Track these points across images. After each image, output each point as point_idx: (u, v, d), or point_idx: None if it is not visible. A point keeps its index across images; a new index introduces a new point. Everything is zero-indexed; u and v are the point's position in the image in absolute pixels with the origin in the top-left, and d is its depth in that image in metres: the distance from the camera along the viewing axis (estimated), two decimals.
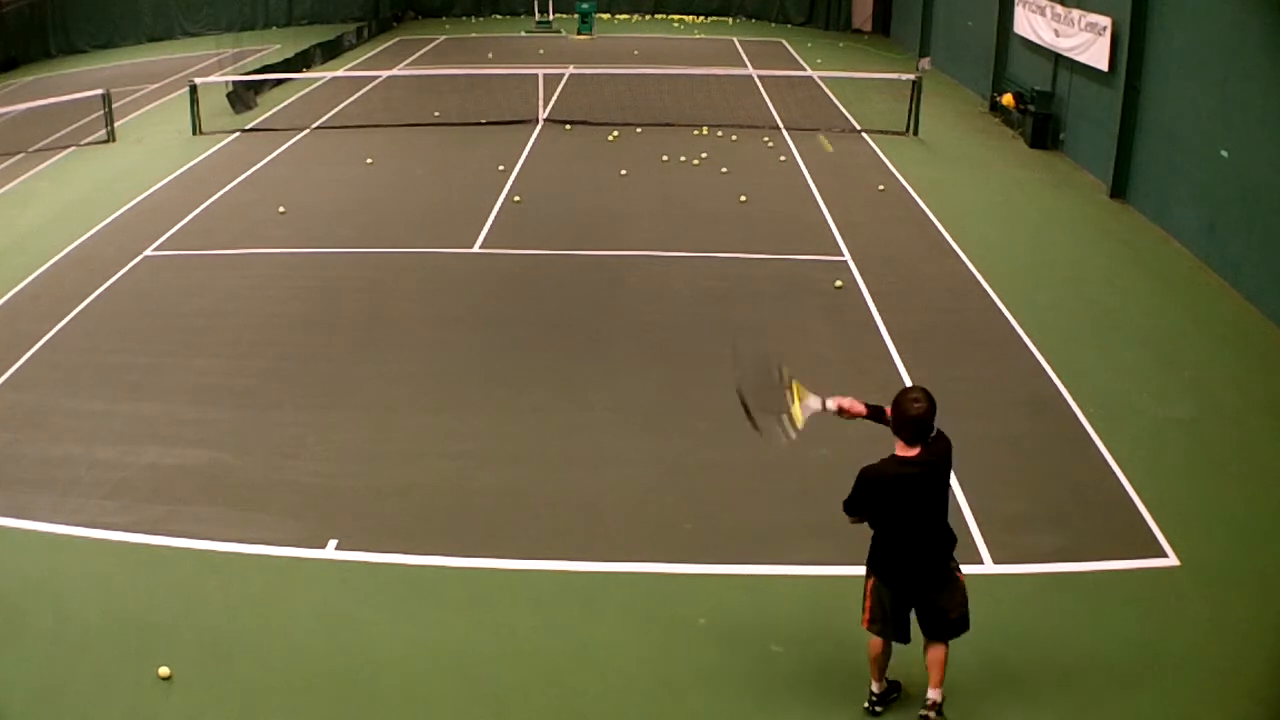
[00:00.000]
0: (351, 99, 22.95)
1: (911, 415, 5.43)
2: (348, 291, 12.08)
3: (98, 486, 8.19)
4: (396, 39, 33.35)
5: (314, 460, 8.58)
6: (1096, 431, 8.90)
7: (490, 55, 18.97)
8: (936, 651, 5.73)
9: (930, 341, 10.64)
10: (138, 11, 33.93)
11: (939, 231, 14.04)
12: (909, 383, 9.74)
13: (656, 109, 21.20)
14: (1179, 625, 6.65)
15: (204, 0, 34.91)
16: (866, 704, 5.91)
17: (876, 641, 5.84)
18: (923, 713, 5.73)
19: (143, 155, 18.65)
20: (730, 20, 37.41)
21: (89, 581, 7.11)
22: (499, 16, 38.69)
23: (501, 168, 17.01)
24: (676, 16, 38.05)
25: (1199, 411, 9.33)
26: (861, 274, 12.43)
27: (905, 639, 5.78)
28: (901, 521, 5.57)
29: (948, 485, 5.64)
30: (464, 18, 38.62)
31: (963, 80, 24.54)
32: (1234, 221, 12.30)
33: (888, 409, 5.67)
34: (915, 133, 19.53)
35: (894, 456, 5.52)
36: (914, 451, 5.47)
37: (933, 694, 5.74)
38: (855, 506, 5.62)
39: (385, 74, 25.50)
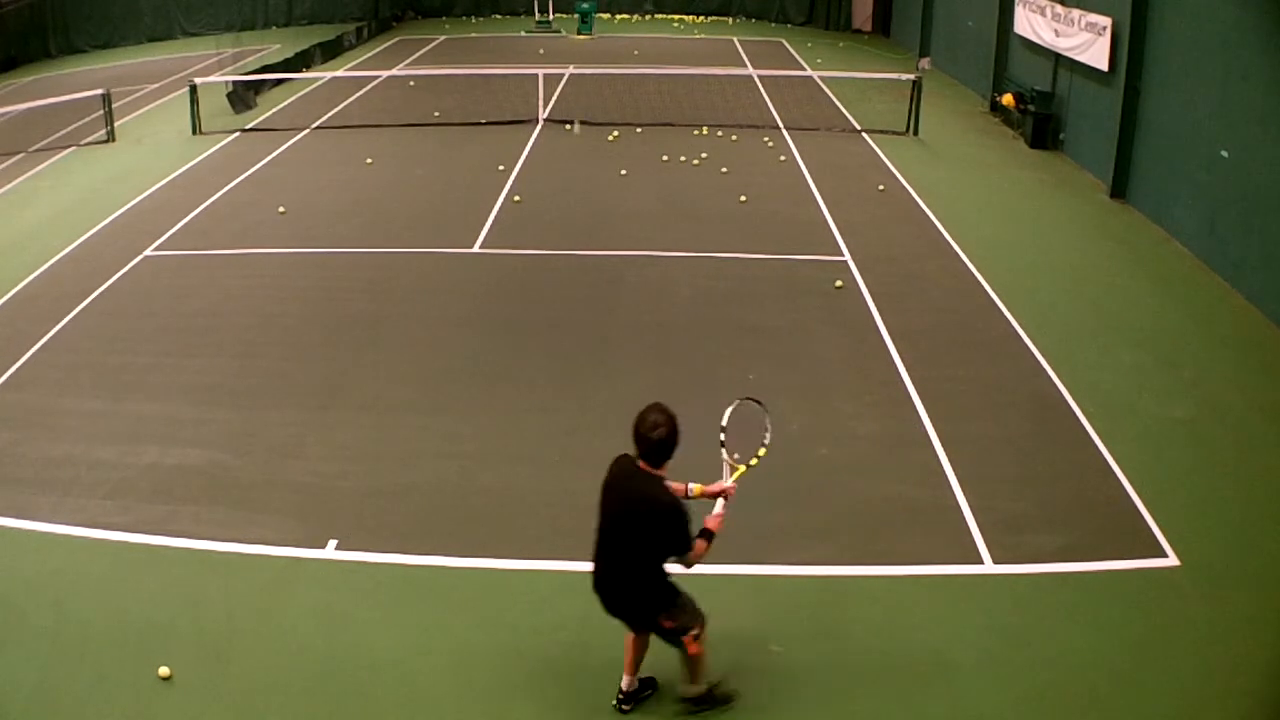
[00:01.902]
0: (351, 99, 22.95)
1: (652, 440, 5.23)
2: (348, 291, 12.08)
3: (98, 486, 8.19)
4: (396, 39, 33.35)
5: (314, 460, 8.58)
6: (1096, 431, 8.91)
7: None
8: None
9: (930, 341, 10.64)
10: (138, 11, 33.91)
11: (939, 231, 14.04)
12: (909, 383, 9.75)
13: (656, 109, 21.20)
14: (1179, 625, 6.65)
15: (204, 0, 34.91)
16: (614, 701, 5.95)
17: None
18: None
19: (143, 155, 18.65)
20: (730, 20, 37.40)
21: (89, 581, 7.11)
22: (499, 16, 38.69)
23: (501, 168, 17.01)
24: (676, 16, 38.05)
25: (1199, 411, 9.34)
26: (861, 274, 12.43)
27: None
28: (609, 530, 5.51)
29: (655, 538, 5.33)
30: (464, 18, 38.61)
31: (963, 80, 24.54)
32: (1234, 221, 12.30)
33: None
34: (915, 133, 19.53)
35: (664, 480, 5.35)
36: (652, 471, 5.33)
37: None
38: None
39: (385, 74, 25.50)
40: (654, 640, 5.79)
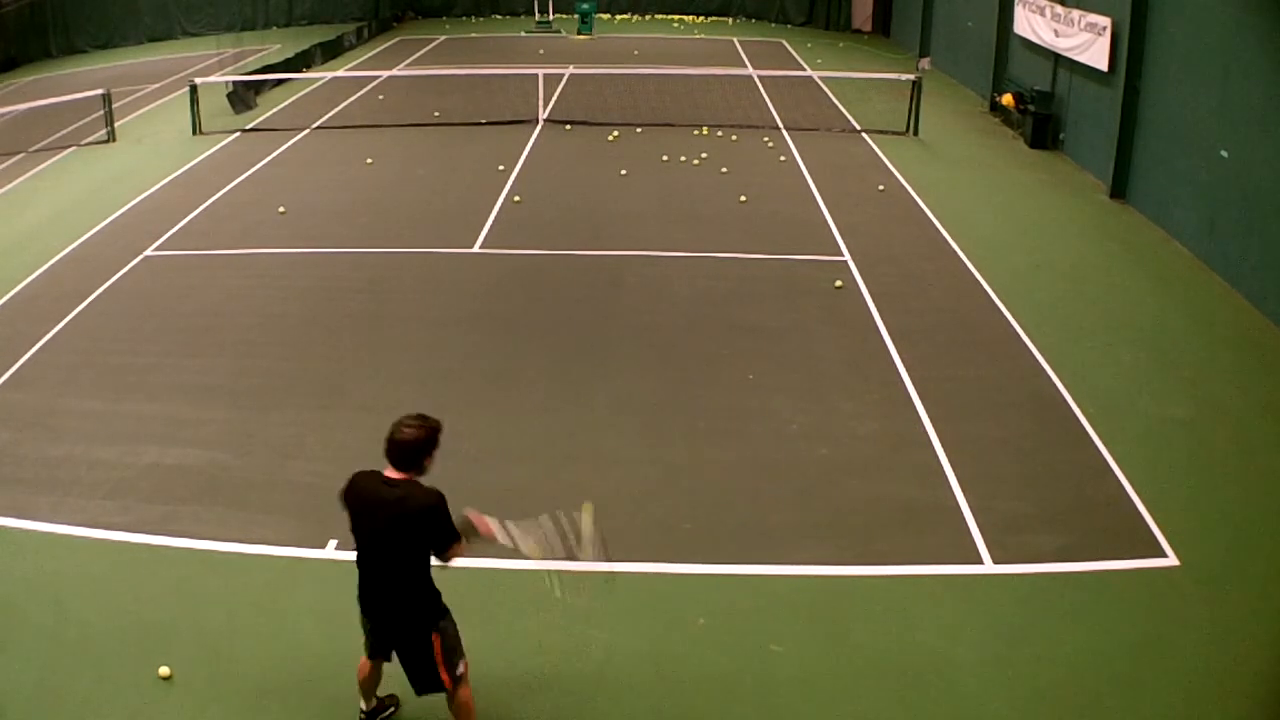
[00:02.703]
0: (351, 99, 22.95)
1: (396, 439, 5.02)
2: (348, 291, 12.08)
3: (98, 486, 8.19)
4: (396, 39, 33.36)
5: (314, 460, 8.58)
6: (1096, 431, 8.91)
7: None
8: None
9: (930, 341, 10.64)
10: (138, 11, 33.92)
11: (939, 231, 14.04)
12: (909, 383, 9.75)
13: (656, 109, 21.20)
14: (1179, 625, 6.65)
15: (204, 0, 34.91)
16: None
17: (365, 663, 5.63)
18: None
19: (143, 155, 18.65)
20: (730, 20, 37.41)
21: (89, 581, 7.10)
22: (499, 16, 38.71)
23: (501, 168, 17.02)
24: (676, 16, 38.06)
25: (1199, 411, 9.33)
26: (861, 274, 12.43)
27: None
28: (368, 546, 5.26)
29: (418, 538, 5.12)
30: (464, 18, 38.62)
31: (963, 80, 24.54)
32: (1234, 221, 12.30)
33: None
34: (915, 133, 19.53)
35: (379, 474, 5.14)
36: (399, 476, 5.09)
37: None
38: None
39: (385, 74, 25.50)
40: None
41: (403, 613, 5.30)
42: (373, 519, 5.16)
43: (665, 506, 7.89)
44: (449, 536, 5.13)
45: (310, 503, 7.98)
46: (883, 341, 10.65)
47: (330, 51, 29.00)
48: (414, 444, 5.04)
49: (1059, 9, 17.69)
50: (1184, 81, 13.75)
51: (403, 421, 5.08)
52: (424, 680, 5.38)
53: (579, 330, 11.03)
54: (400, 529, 5.09)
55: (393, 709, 5.97)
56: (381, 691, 5.91)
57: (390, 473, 5.10)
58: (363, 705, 5.89)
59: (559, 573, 5.37)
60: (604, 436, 8.94)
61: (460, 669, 5.41)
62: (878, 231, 14.06)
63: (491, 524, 5.29)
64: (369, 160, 17.67)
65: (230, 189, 16.16)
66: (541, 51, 29.87)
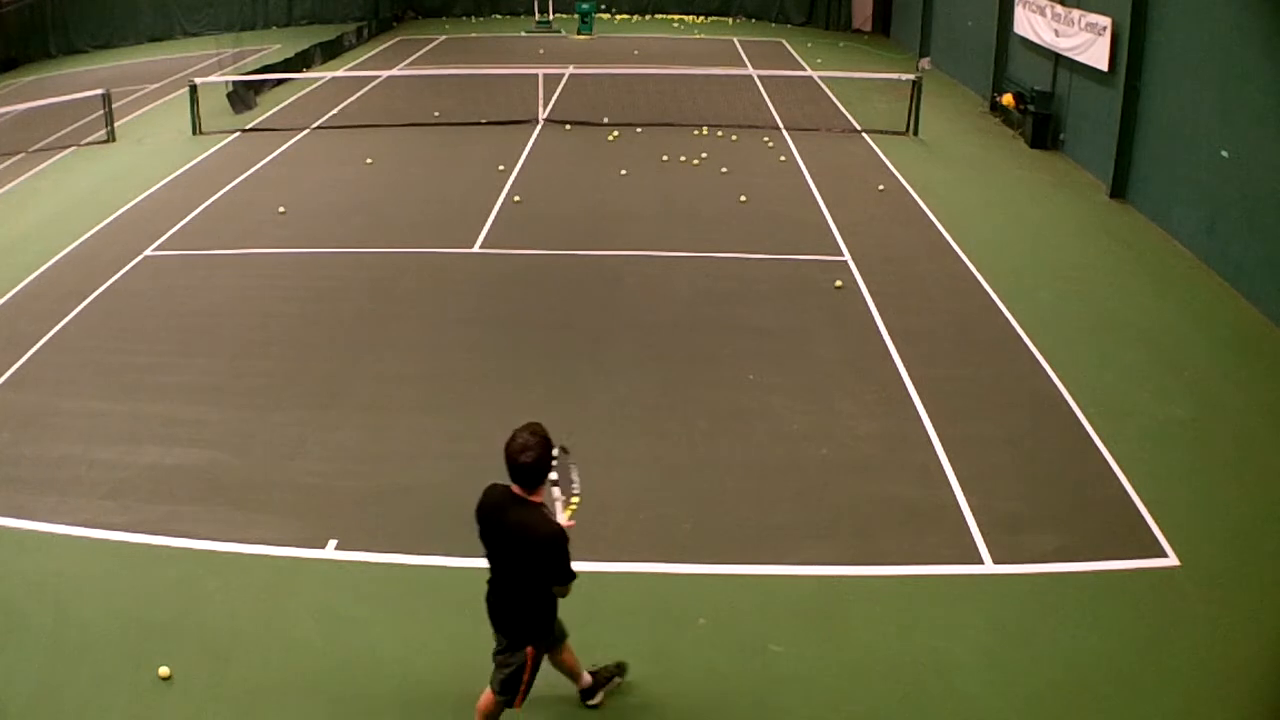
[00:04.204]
0: (351, 99, 22.95)
1: (518, 463, 5.01)
2: (348, 291, 12.08)
3: (98, 486, 8.19)
4: (396, 39, 33.35)
5: (314, 460, 8.58)
6: (1096, 431, 8.91)
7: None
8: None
9: (930, 341, 10.64)
10: (138, 11, 33.93)
11: (939, 231, 14.04)
12: (909, 383, 9.75)
13: (656, 109, 21.20)
14: (1179, 625, 6.65)
15: (204, 0, 34.92)
16: None
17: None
18: None
19: (143, 155, 18.65)
20: (730, 20, 37.40)
21: (89, 581, 7.11)
22: (499, 16, 38.69)
23: (501, 168, 17.02)
24: (676, 16, 38.05)
25: (1199, 411, 9.34)
26: (861, 274, 12.43)
27: None
28: (492, 561, 5.39)
29: (533, 565, 5.16)
30: (464, 18, 38.61)
31: (963, 80, 24.54)
32: (1234, 221, 12.30)
33: None
34: (915, 133, 19.53)
35: (509, 491, 5.16)
36: (524, 495, 5.12)
37: None
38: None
39: (385, 74, 25.50)
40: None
41: (513, 622, 5.41)
42: (496, 536, 5.23)
43: (665, 506, 7.89)
44: (564, 574, 5.16)
45: (310, 503, 7.99)
46: (883, 341, 10.65)
47: (330, 51, 29.00)
48: (534, 466, 5.04)
49: (1059, 9, 17.69)
50: (1184, 81, 13.75)
51: (522, 444, 5.01)
52: (506, 684, 5.46)
53: (579, 330, 11.03)
54: (518, 552, 5.17)
55: (618, 679, 6.03)
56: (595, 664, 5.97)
57: (517, 490, 5.12)
58: (580, 685, 5.95)
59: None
60: (604, 436, 8.94)
61: (525, 692, 5.51)
62: (878, 231, 14.06)
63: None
64: (369, 160, 17.67)
65: (230, 189, 16.16)
66: (541, 51, 29.87)
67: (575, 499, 5.46)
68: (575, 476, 5.50)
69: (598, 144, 18.79)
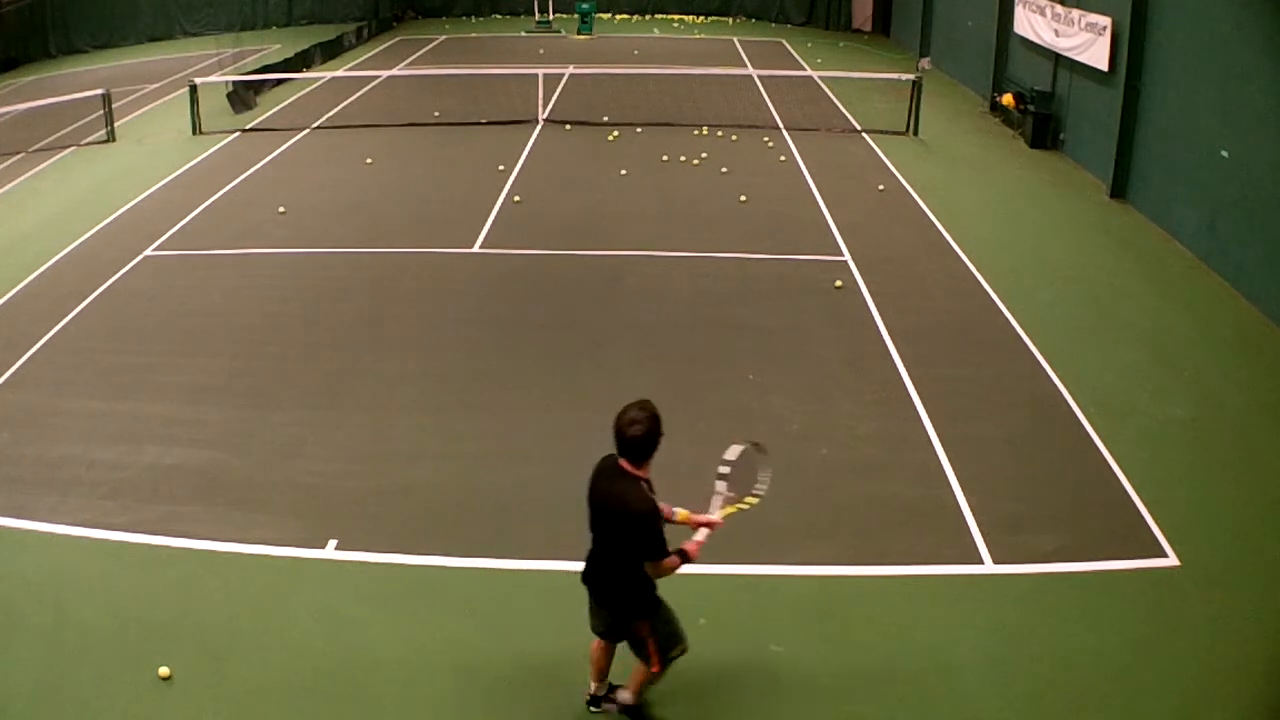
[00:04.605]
0: (351, 99, 22.95)
1: (629, 438, 5.12)
2: (348, 291, 12.08)
3: (98, 486, 8.19)
4: (396, 39, 33.35)
5: (314, 460, 8.58)
6: (1096, 431, 8.91)
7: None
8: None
9: (930, 341, 10.64)
10: (138, 11, 33.93)
11: (939, 231, 14.04)
12: (909, 383, 9.76)
13: (656, 109, 21.20)
14: (1179, 625, 6.65)
15: (204, 0, 34.91)
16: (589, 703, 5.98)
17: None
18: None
19: (143, 155, 18.65)
20: (730, 20, 37.41)
21: (89, 581, 7.11)
22: (499, 16, 38.70)
23: (501, 168, 17.02)
24: (676, 16, 38.06)
25: (1199, 411, 9.33)
26: (861, 274, 12.43)
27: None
28: (592, 530, 5.47)
29: (626, 538, 5.24)
30: (464, 18, 38.62)
31: (963, 80, 24.54)
32: (1234, 221, 12.30)
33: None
34: (915, 133, 19.53)
35: (642, 482, 5.23)
36: (631, 470, 5.20)
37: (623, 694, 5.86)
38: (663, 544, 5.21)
39: (385, 74, 25.50)
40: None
41: (611, 597, 5.47)
42: (597, 507, 5.32)
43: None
44: (652, 550, 5.18)
45: (310, 503, 7.99)
46: (883, 341, 10.65)
47: (330, 51, 29.00)
48: (643, 440, 5.13)
49: (1059, 9, 17.69)
50: (1184, 81, 13.75)
51: (630, 417, 5.13)
52: (637, 651, 5.57)
53: (579, 330, 11.03)
54: (613, 525, 5.26)
55: (605, 700, 6.01)
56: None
57: (625, 464, 5.20)
58: (591, 689, 5.94)
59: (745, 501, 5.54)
60: (604, 436, 8.90)
61: (675, 654, 5.56)
62: (878, 231, 14.06)
63: (700, 538, 5.36)
64: (369, 160, 17.67)
65: (230, 189, 16.16)
66: (541, 51, 29.87)
67: (750, 499, 5.54)
68: (763, 478, 5.57)
69: (598, 144, 18.79)
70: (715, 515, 5.45)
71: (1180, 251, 13.37)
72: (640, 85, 23.10)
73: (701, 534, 5.40)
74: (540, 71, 21.69)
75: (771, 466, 5.66)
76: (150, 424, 9.12)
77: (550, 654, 6.42)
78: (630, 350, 10.55)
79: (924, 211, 14.89)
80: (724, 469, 5.48)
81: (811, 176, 16.63)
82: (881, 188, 16.10)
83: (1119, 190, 15.49)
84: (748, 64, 27.47)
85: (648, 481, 5.26)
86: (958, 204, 15.25)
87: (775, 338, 10.74)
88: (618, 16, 38.12)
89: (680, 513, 5.48)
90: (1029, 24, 19.37)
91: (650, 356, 10.39)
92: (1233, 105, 12.42)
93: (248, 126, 20.55)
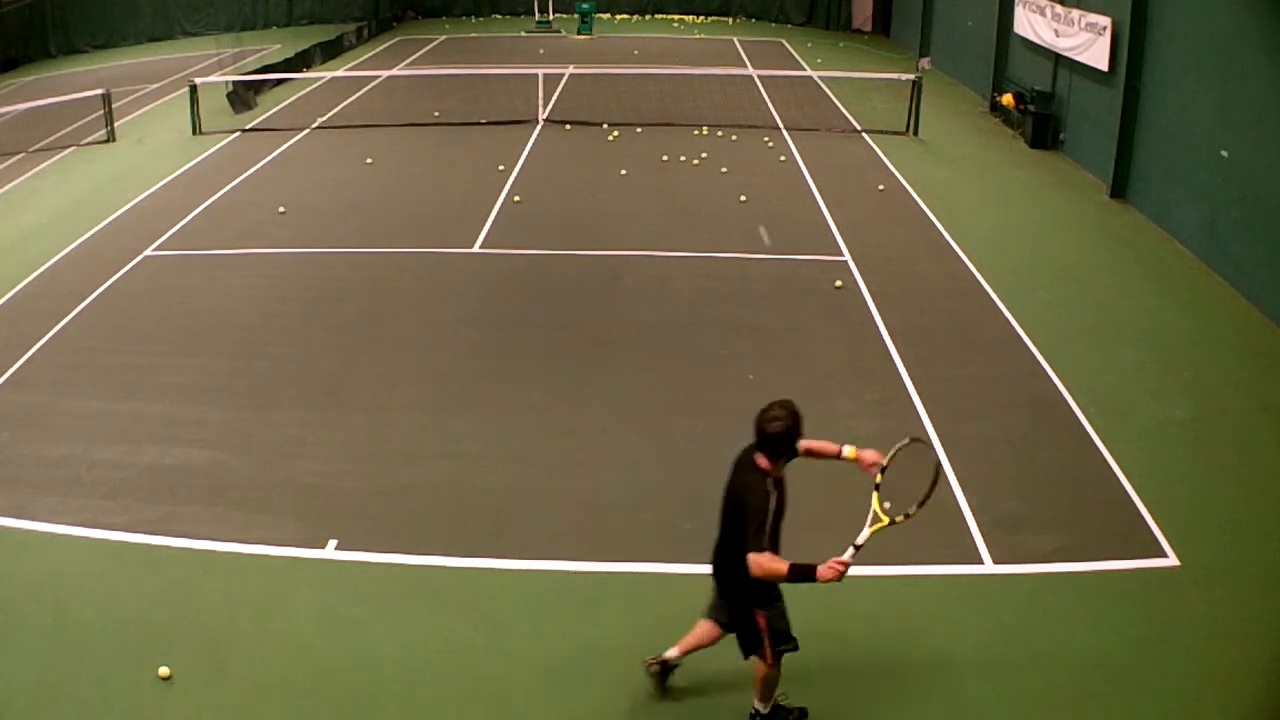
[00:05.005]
0: (351, 99, 22.95)
1: (769, 433, 5.19)
2: (348, 291, 12.08)
3: (98, 486, 8.19)
4: (396, 39, 33.35)
5: (314, 460, 8.58)
6: (1096, 431, 8.91)
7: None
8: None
9: (930, 341, 10.64)
10: (138, 11, 33.93)
11: (939, 231, 14.04)
12: (909, 383, 9.75)
13: (656, 109, 21.20)
14: (1179, 625, 6.65)
15: (204, 0, 34.91)
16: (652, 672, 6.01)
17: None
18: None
19: (143, 155, 18.65)
20: (730, 20, 37.40)
21: (89, 581, 7.11)
22: (499, 16, 38.70)
23: (501, 168, 17.02)
24: (676, 16, 38.05)
25: (1199, 411, 9.33)
26: (861, 274, 12.43)
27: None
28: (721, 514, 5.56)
29: (739, 524, 5.31)
30: (464, 18, 38.62)
31: (963, 80, 24.54)
32: (1234, 221, 12.30)
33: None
34: (915, 133, 19.52)
35: (769, 476, 5.29)
36: (764, 463, 5.29)
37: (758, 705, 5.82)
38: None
39: (385, 74, 25.50)
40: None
41: (733, 588, 5.51)
42: (725, 495, 5.44)
43: (665, 506, 7.89)
44: (749, 539, 5.20)
45: (310, 503, 7.99)
46: (883, 341, 10.64)
47: (330, 51, 29.00)
48: (781, 435, 5.18)
49: (1059, 9, 17.69)
50: (1184, 81, 13.74)
51: (772, 414, 5.18)
52: (748, 647, 5.61)
53: (579, 330, 11.03)
54: (730, 510, 5.37)
55: (669, 671, 6.04)
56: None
57: (759, 458, 5.27)
58: (669, 653, 5.96)
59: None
60: (604, 436, 8.94)
61: (786, 649, 5.59)
62: (878, 231, 14.06)
63: (839, 561, 5.22)
64: (369, 160, 17.67)
65: (230, 189, 16.16)
66: (541, 51, 29.87)
67: (911, 512, 5.43)
68: (930, 486, 5.51)
69: (598, 144, 18.79)
70: (865, 534, 5.33)
71: (1180, 251, 13.37)
72: (640, 85, 23.10)
73: (848, 554, 5.22)
74: (540, 71, 21.69)
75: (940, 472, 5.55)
76: (150, 424, 9.12)
77: (550, 654, 6.42)
78: (629, 350, 10.55)
79: (924, 211, 14.89)
80: (879, 475, 5.40)
81: (811, 176, 16.63)
82: (881, 188, 16.10)
83: (1119, 190, 15.49)
84: (748, 64, 27.47)
85: (779, 480, 5.30)
86: (958, 204, 15.25)
87: (775, 338, 10.74)
88: (618, 16, 38.12)
89: (849, 450, 5.55)
90: (1029, 24, 19.37)
91: (650, 356, 10.39)
92: (1233, 105, 12.41)
93: (248, 126, 20.55)
